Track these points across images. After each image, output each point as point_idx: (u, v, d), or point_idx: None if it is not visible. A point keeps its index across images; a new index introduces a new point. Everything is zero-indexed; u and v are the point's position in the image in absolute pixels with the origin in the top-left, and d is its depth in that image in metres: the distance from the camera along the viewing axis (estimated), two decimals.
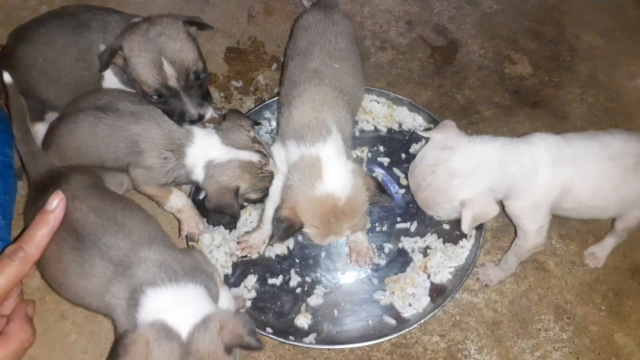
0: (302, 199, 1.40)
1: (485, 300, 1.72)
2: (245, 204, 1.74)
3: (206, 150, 1.54)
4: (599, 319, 1.70)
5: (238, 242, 1.73)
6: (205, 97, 1.55)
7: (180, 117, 1.52)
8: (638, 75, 2.29)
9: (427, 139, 1.58)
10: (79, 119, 1.54)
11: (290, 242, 1.76)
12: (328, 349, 1.59)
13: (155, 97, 1.49)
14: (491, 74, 2.28)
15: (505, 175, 1.46)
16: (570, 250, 1.82)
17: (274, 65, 2.25)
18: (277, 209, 1.46)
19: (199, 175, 1.55)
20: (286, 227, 1.41)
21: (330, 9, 1.83)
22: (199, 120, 1.53)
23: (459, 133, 1.54)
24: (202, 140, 1.55)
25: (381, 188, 1.49)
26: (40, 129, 1.83)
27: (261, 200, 1.68)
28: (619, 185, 1.52)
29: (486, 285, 1.74)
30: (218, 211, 1.57)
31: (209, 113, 1.56)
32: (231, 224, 1.77)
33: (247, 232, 1.74)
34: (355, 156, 1.80)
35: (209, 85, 1.59)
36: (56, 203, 1.25)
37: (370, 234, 1.77)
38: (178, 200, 1.65)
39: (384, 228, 1.80)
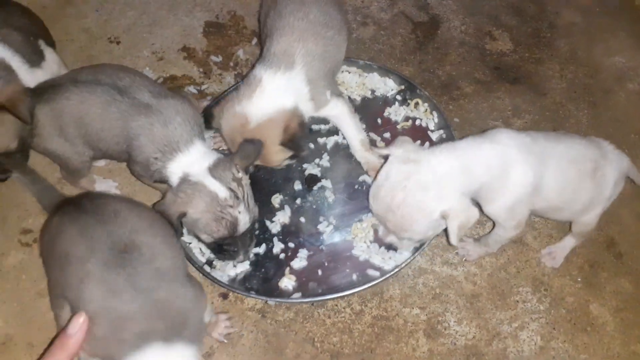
0: (228, 115, 1.60)
1: (464, 274, 1.74)
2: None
3: (192, 163, 1.49)
4: (575, 290, 1.73)
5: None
6: None
7: None
8: (616, 51, 2.31)
9: (386, 157, 1.49)
10: (96, 92, 1.51)
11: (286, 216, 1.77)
12: (311, 301, 1.64)
13: None
14: (472, 50, 2.28)
15: (472, 179, 1.42)
16: (548, 224, 1.85)
17: (254, 40, 2.21)
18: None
19: (174, 182, 1.50)
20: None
21: None
22: None
23: (418, 146, 1.49)
24: (196, 154, 1.51)
25: (301, 137, 1.59)
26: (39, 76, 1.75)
27: (218, 249, 1.57)
28: (578, 188, 1.54)
29: (465, 260, 1.76)
30: (163, 216, 1.46)
31: None
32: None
33: None
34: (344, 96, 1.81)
35: None
36: (78, 326, 1.14)
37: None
38: None
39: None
